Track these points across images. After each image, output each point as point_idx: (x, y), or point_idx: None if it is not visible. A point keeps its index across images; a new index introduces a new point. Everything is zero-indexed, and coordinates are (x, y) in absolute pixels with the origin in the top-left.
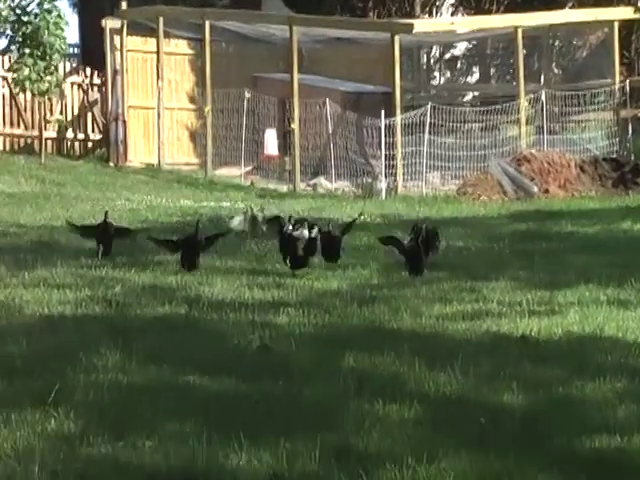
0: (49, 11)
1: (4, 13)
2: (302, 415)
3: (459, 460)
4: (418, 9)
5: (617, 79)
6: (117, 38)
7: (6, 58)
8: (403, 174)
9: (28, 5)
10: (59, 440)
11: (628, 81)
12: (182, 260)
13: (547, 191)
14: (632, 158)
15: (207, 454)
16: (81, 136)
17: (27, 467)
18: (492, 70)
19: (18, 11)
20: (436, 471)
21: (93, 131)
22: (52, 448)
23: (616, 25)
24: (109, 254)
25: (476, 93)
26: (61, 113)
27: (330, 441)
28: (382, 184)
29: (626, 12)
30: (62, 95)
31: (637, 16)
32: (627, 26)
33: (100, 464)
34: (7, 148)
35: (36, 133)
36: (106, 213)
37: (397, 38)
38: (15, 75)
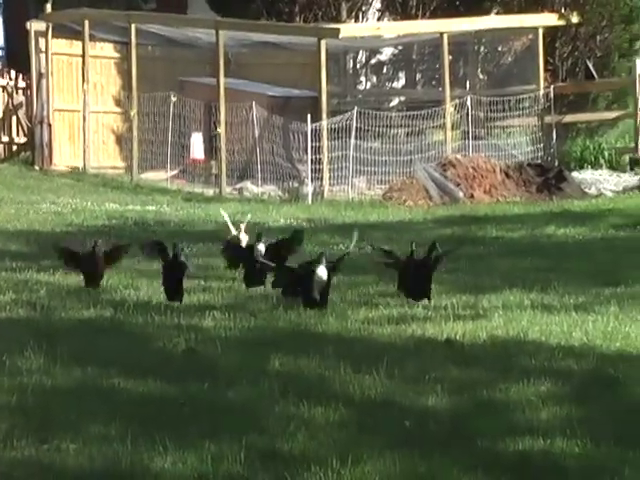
0: None
1: None
2: (227, 417)
3: (384, 462)
4: (344, 14)
5: (542, 85)
6: (42, 41)
7: None
8: (329, 178)
9: None
10: None
11: (552, 87)
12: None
13: (472, 196)
14: (556, 164)
15: (131, 456)
16: (5, 139)
17: None
18: (418, 75)
19: None
20: (360, 474)
21: (18, 134)
22: None
23: (540, 32)
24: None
25: (402, 98)
26: None
27: (255, 443)
28: (308, 188)
29: (550, 18)
30: None
31: (561, 23)
32: (551, 32)
33: (24, 467)
34: None
35: None
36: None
37: (323, 43)
38: None
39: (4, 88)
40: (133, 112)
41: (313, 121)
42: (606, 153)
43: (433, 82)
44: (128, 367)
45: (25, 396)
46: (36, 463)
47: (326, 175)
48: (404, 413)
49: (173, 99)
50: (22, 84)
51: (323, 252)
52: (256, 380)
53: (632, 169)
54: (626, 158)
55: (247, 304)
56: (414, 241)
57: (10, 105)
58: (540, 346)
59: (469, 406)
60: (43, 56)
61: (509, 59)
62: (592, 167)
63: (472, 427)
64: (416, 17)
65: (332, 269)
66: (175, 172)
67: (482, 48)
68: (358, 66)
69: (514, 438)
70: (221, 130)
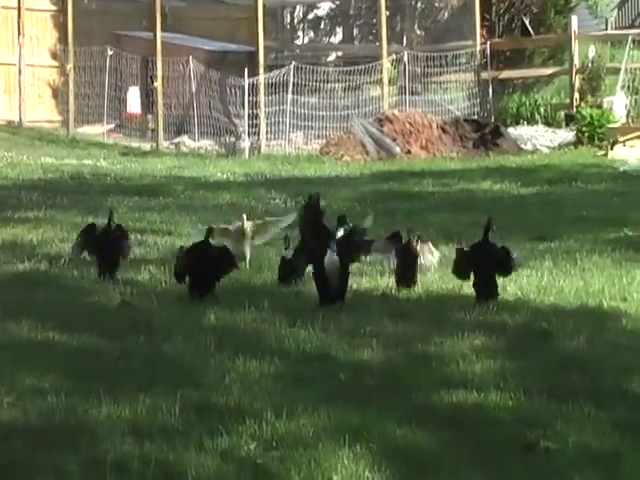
0: None
1: None
2: (163, 371)
3: (318, 415)
4: None
5: (478, 41)
6: None
7: None
8: (266, 133)
9: None
10: None
11: (489, 43)
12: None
13: (409, 151)
14: (492, 120)
15: (66, 409)
16: None
17: None
18: (355, 31)
19: None
20: (295, 426)
21: None
22: None
23: None
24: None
25: (339, 53)
26: None
27: (190, 396)
28: (245, 143)
29: None
30: None
31: None
32: None
33: None
34: None
35: None
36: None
37: None
38: None
39: None
40: (69, 66)
41: (250, 76)
42: (542, 109)
43: (370, 37)
44: (63, 321)
45: None
46: None
47: (263, 130)
48: (339, 367)
49: (110, 53)
50: None
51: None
52: (192, 334)
53: (567, 125)
54: (561, 114)
55: None
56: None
57: None
58: (474, 300)
59: (404, 360)
60: None
61: (446, 15)
62: (528, 123)
63: (407, 380)
64: None
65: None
66: (112, 126)
67: (419, 3)
68: (295, 21)
69: (448, 391)
70: (158, 84)
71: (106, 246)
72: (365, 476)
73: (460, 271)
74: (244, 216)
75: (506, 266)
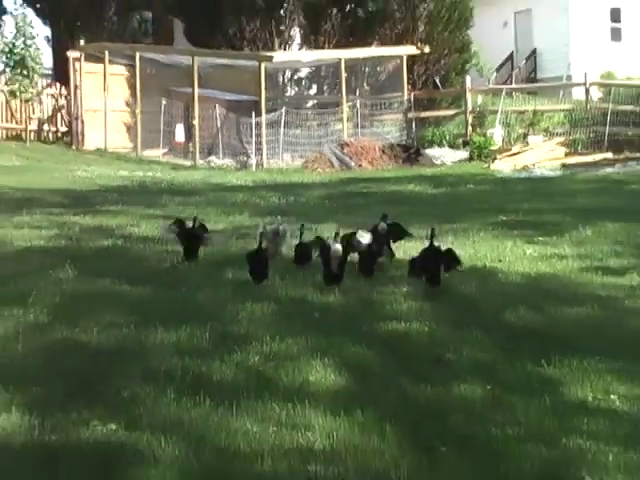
0: (30, 46)
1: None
2: (197, 311)
3: (300, 339)
4: (277, 46)
5: (405, 93)
6: (77, 64)
7: (2, 77)
8: (267, 154)
9: (16, 41)
10: (35, 327)
11: (412, 94)
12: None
13: (360, 165)
14: (415, 144)
15: (134, 336)
16: (53, 129)
17: (12, 345)
18: (325, 86)
19: (9, 46)
20: (285, 346)
21: (62, 125)
22: (30, 333)
23: (405, 57)
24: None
25: (315, 101)
26: (40, 113)
27: (215, 327)
28: (252, 161)
29: (411, 49)
30: (40, 101)
31: (417, 52)
32: (411, 58)
33: (61, 343)
34: (3, 137)
35: (23, 127)
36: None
37: (263, 65)
38: (9, 88)
39: (53, 95)
40: (138, 110)
41: (256, 116)
42: (447, 137)
43: (335, 90)
44: (132, 278)
45: (64, 297)
46: (71, 340)
47: (264, 152)
48: (314, 308)
49: (164, 102)
50: (64, 92)
51: (337, 232)
52: (216, 287)
53: (464, 147)
54: (460, 140)
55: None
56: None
57: (56, 106)
58: (403, 260)
59: (356, 302)
60: (77, 74)
61: (384, 76)
62: (438, 146)
63: (358, 316)
64: (323, 47)
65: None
66: (165, 150)
67: (367, 68)
68: (285, 80)
69: (385, 322)
70: (195, 122)
71: (192, 237)
72: (330, 377)
73: (414, 274)
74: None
75: (452, 263)
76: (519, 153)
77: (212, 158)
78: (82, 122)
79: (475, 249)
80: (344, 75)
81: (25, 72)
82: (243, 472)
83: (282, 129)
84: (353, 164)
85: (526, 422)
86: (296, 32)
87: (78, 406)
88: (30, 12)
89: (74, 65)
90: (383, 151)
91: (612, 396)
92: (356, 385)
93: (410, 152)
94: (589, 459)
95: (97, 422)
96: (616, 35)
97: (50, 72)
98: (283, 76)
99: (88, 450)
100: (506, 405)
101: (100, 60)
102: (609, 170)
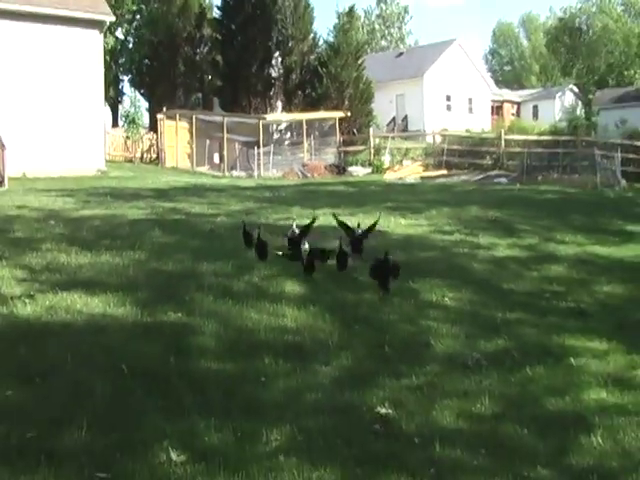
0: (137, 112)
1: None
2: (225, 253)
3: (280, 269)
4: (268, 111)
5: (337, 137)
6: (162, 122)
7: (122, 129)
8: (263, 170)
9: (135, 110)
10: (139, 261)
11: (341, 138)
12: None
13: (314, 176)
14: (342, 164)
15: (191, 266)
16: (149, 156)
17: (126, 271)
18: (295, 133)
19: (127, 112)
20: (272, 272)
21: (154, 154)
22: (136, 264)
23: (337, 118)
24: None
25: (289, 141)
26: (142, 148)
27: (234, 263)
28: (255, 173)
29: (340, 114)
30: (142, 141)
31: (343, 115)
32: (341, 119)
33: (153, 270)
34: (123, 160)
35: (132, 155)
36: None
37: (260, 122)
38: (125, 134)
39: (149, 138)
40: (193, 145)
41: (257, 148)
42: (360, 161)
43: (300, 135)
44: (191, 236)
45: (154, 245)
46: (158, 268)
47: (262, 168)
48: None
49: (207, 142)
50: (155, 136)
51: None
52: (235, 238)
53: (369, 166)
54: (367, 162)
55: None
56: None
57: (151, 144)
58: (337, 229)
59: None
60: (162, 127)
61: (326, 127)
62: (355, 165)
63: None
64: (293, 112)
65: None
66: (207, 167)
67: (317, 124)
68: (273, 129)
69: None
70: (224, 152)
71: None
72: (297, 288)
73: (373, 276)
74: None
75: (396, 272)
76: (398, 170)
77: (233, 172)
78: (164, 152)
79: (374, 221)
80: (304, 127)
81: (134, 126)
82: (249, 340)
83: (271, 156)
84: (309, 175)
85: (400, 312)
86: (279, 104)
87: (161, 303)
88: (137, 94)
89: (160, 122)
90: (326, 168)
91: (445, 298)
92: (310, 293)
93: (340, 169)
94: (432, 332)
95: (171, 312)
96: (448, 108)
97: (147, 126)
98: (271, 128)
99: (166, 325)
100: (388, 303)
101: (174, 119)
102: (443, 180)
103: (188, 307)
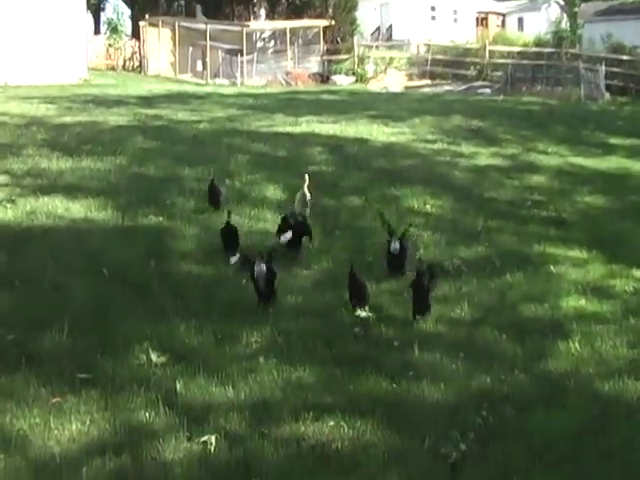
0: (119, 19)
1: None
2: (207, 158)
3: (263, 174)
4: (252, 19)
5: (321, 45)
6: (144, 29)
7: (104, 37)
8: (246, 78)
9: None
10: (120, 166)
11: (325, 46)
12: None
13: (297, 84)
14: (327, 74)
15: (173, 170)
16: (132, 64)
17: (108, 175)
18: (278, 41)
19: (110, 20)
20: (254, 178)
21: (136, 62)
22: (118, 169)
23: (321, 27)
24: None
25: (272, 49)
26: (124, 55)
27: (216, 168)
28: (238, 81)
29: (324, 22)
30: (124, 49)
31: (328, 24)
32: (325, 27)
33: (134, 175)
34: (105, 68)
35: (115, 63)
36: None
37: (244, 29)
38: (108, 42)
39: (131, 46)
40: (176, 53)
41: (240, 56)
42: (343, 70)
43: (283, 44)
44: (173, 141)
45: (136, 151)
46: (139, 173)
47: (245, 76)
48: (270, 158)
49: (190, 49)
50: (137, 44)
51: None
52: (218, 146)
53: (353, 75)
54: (350, 72)
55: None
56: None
57: (133, 51)
58: (320, 136)
59: (291, 154)
60: (144, 34)
61: (310, 36)
62: (339, 74)
63: (293, 162)
64: (277, 20)
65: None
66: (191, 75)
67: (301, 32)
68: (256, 38)
69: (309, 166)
70: (207, 60)
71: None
72: (278, 193)
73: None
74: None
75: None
76: (382, 79)
77: (216, 80)
78: (147, 60)
79: (357, 129)
80: (288, 35)
81: (116, 33)
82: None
83: (254, 64)
84: (293, 83)
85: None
86: (262, 12)
87: (142, 207)
88: (120, 0)
89: (143, 29)
90: (309, 77)
91: (427, 205)
92: (291, 198)
93: (323, 77)
94: (412, 239)
95: (152, 216)
96: (433, 19)
97: (130, 33)
98: (255, 36)
99: (147, 229)
100: (371, 209)
101: (157, 26)
102: (427, 90)
103: (169, 212)
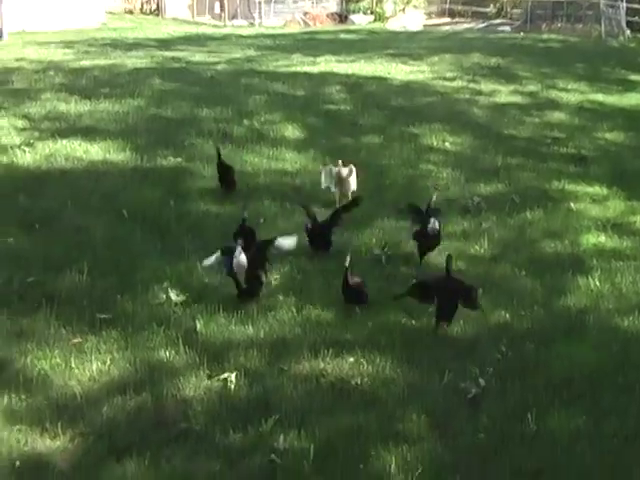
0: None
1: None
2: (225, 99)
3: (281, 114)
4: None
5: None
6: None
7: None
8: (264, 19)
9: None
10: (138, 108)
11: None
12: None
13: (315, 24)
14: (345, 13)
15: (191, 111)
16: (149, 7)
17: (126, 117)
18: None
19: None
20: (273, 118)
21: (154, 4)
22: (135, 111)
23: None
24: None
25: None
26: None
27: (235, 108)
28: (256, 22)
29: None
30: None
31: None
32: None
33: (152, 116)
34: (123, 11)
35: (132, 6)
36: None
37: None
38: None
39: None
40: None
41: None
42: (362, 9)
43: None
44: (190, 81)
45: (154, 92)
46: (157, 114)
47: (263, 17)
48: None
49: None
50: None
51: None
52: (236, 86)
53: (372, 14)
54: (369, 10)
55: None
56: None
57: None
58: (338, 75)
59: (309, 93)
60: None
61: None
62: (357, 13)
63: (311, 103)
64: None
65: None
66: (209, 17)
67: None
68: None
69: (327, 105)
70: (225, 2)
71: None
72: (297, 133)
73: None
74: (340, 162)
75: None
76: (400, 18)
77: (234, 21)
78: (164, 2)
79: (376, 67)
80: None
81: None
82: (249, 183)
83: (272, 5)
84: (311, 24)
85: (400, 156)
86: None
87: (161, 148)
88: None
89: None
90: (327, 16)
91: (446, 143)
92: (311, 138)
93: (342, 17)
94: (432, 176)
95: (171, 157)
96: None
97: None
98: None
99: (165, 170)
100: (390, 147)
101: None
102: (446, 28)
103: (188, 152)
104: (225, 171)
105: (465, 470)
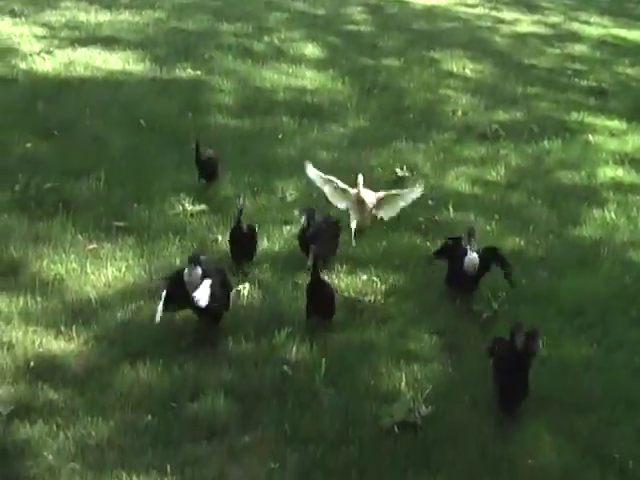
0: None
1: None
2: (246, 14)
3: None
4: None
5: None
6: None
7: None
8: None
9: None
10: (158, 20)
11: None
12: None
13: None
14: None
15: (213, 25)
16: None
17: (146, 30)
18: None
19: None
20: (293, 35)
21: None
22: (155, 23)
23: None
24: None
25: None
26: None
27: (256, 23)
28: None
29: None
30: None
31: None
32: None
33: (175, 34)
34: None
35: None
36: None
37: None
38: None
39: None
40: None
41: None
42: None
43: None
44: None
45: (175, 5)
46: (177, 27)
47: None
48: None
49: None
50: None
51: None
52: None
53: None
54: None
55: None
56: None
57: None
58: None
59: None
60: None
61: None
62: None
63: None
64: None
65: None
66: None
67: None
68: None
69: (345, 26)
70: None
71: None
72: (317, 52)
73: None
74: (360, 178)
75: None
76: None
77: None
78: None
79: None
80: None
81: None
82: (267, 99)
83: None
84: None
85: (420, 80)
86: None
87: (180, 60)
88: None
89: None
90: None
91: (466, 69)
92: (331, 56)
93: None
94: (452, 101)
95: (190, 69)
96: None
97: None
98: None
99: (184, 82)
100: (410, 71)
101: None
102: None
103: (207, 65)
104: (205, 163)
105: (474, 390)
